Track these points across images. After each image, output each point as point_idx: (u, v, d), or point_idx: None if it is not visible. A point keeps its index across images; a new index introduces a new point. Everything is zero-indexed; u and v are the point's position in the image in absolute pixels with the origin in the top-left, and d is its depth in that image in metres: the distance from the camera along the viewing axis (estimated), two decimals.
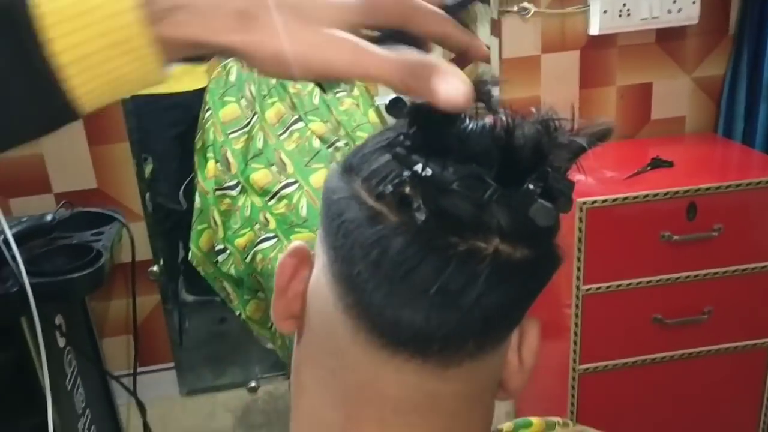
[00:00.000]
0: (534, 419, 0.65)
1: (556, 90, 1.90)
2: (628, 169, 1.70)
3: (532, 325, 0.48)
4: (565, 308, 1.64)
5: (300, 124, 2.27)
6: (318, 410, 0.49)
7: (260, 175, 2.17)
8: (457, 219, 0.41)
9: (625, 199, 1.56)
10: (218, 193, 2.12)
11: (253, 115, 2.18)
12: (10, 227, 1.54)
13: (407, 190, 0.41)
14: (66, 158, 1.72)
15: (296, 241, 0.50)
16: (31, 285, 1.38)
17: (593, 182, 1.66)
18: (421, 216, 0.40)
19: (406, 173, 0.42)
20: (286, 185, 2.18)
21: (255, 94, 2.17)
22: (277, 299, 0.50)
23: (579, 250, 1.58)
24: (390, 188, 0.42)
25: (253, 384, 2.01)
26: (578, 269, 1.59)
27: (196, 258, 2.09)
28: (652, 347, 1.68)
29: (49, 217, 1.57)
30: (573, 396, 1.70)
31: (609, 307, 1.64)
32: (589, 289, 1.61)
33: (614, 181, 1.66)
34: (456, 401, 0.46)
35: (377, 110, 2.51)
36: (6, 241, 1.37)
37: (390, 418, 0.46)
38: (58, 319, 1.60)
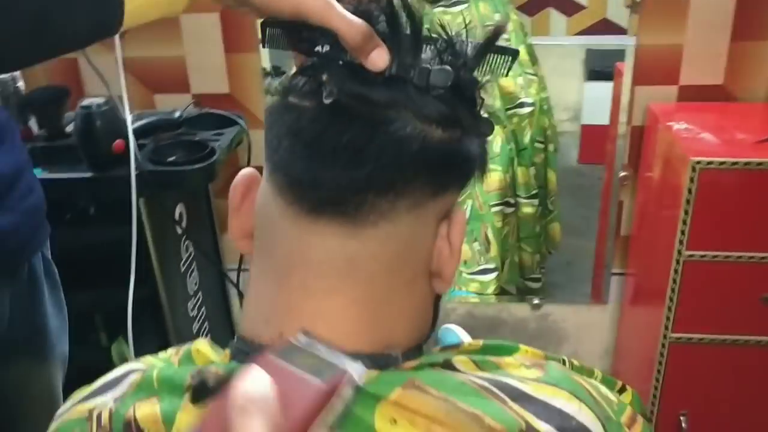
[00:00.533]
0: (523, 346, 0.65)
1: (703, 40, 1.74)
2: None
3: (458, 210, 0.54)
4: (665, 272, 1.55)
5: None
6: (259, 290, 0.55)
7: None
8: (359, 93, 0.48)
9: (747, 164, 1.43)
10: None
11: None
12: (146, 117, 1.72)
13: (323, 78, 0.49)
14: (204, 62, 1.85)
15: (246, 168, 0.58)
16: (150, 172, 1.54)
17: (717, 142, 1.53)
18: (329, 98, 0.48)
19: (315, 60, 0.51)
20: None
21: None
22: (232, 218, 0.58)
23: (686, 212, 1.48)
24: (305, 80, 0.50)
25: None
26: (682, 233, 1.49)
27: None
28: (756, 328, 1.56)
29: (176, 114, 1.71)
30: (660, 363, 1.62)
31: (712, 278, 1.53)
32: (692, 256, 1.51)
33: (742, 144, 1.52)
34: (374, 264, 0.50)
35: (529, 48, 2.44)
36: (134, 131, 1.53)
37: (312, 283, 0.51)
38: (180, 207, 1.77)
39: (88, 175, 1.56)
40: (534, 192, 2.40)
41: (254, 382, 0.38)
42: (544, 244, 2.51)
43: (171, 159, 1.60)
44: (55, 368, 1.26)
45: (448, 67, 0.50)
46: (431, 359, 0.53)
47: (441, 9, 2.23)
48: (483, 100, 0.53)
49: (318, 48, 0.50)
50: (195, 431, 0.38)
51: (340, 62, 0.50)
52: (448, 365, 0.52)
